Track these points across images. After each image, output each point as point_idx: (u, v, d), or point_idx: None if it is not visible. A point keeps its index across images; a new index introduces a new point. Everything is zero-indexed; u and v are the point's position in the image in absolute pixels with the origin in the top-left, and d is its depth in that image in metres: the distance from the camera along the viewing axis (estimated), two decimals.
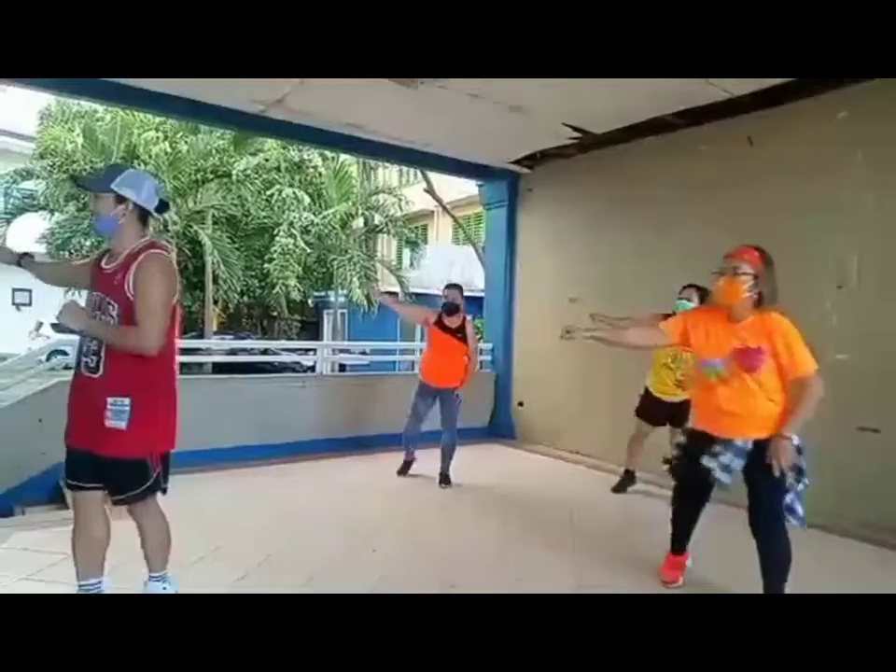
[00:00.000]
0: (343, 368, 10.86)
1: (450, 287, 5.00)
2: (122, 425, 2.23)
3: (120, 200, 2.31)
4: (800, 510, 2.67)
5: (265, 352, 9.72)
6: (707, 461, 2.73)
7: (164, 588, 2.54)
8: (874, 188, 4.15)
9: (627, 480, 4.92)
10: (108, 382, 2.26)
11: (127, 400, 2.24)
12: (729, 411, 2.70)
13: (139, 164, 13.13)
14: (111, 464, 2.28)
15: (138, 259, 2.28)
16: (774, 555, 2.68)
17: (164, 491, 2.50)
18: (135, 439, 2.27)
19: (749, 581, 2.77)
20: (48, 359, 6.08)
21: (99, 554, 2.38)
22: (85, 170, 13.14)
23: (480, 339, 6.81)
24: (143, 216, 2.38)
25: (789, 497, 2.64)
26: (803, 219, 4.45)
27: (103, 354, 2.27)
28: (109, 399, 2.23)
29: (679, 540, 3.13)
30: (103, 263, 2.38)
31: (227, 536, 3.63)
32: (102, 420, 2.24)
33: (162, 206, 2.47)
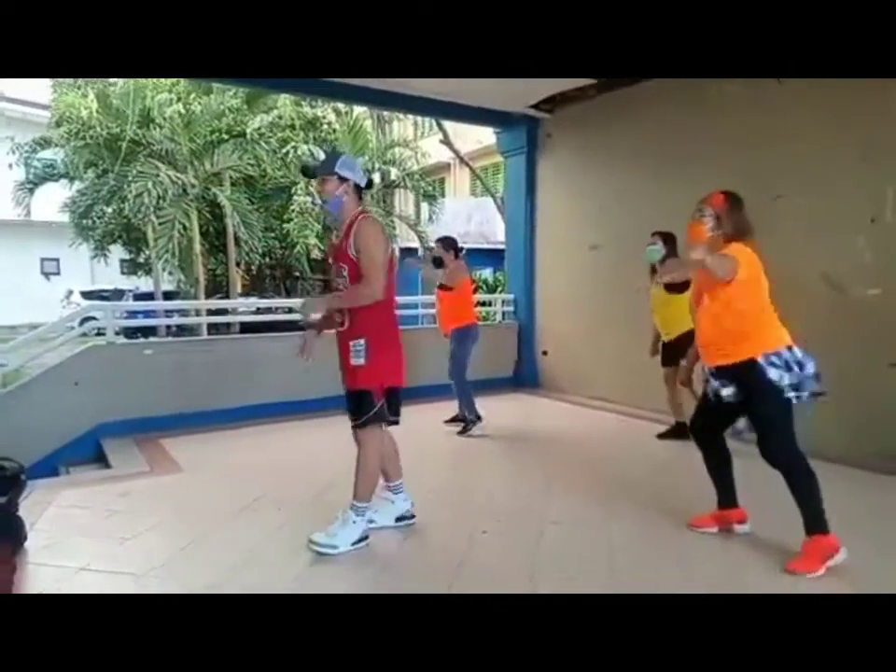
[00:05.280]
0: None
1: (437, 240, 5.13)
2: (362, 361, 2.83)
3: (342, 180, 2.84)
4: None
5: (290, 311, 9.77)
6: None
7: (353, 522, 2.91)
8: None
9: (675, 431, 4.71)
10: (349, 330, 2.85)
11: (363, 341, 2.82)
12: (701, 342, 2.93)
13: (154, 127, 13.09)
14: (348, 395, 2.91)
15: (353, 225, 2.81)
16: (792, 478, 2.68)
17: (393, 423, 3.00)
18: (368, 373, 2.83)
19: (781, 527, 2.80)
20: (80, 325, 6.21)
21: (391, 464, 3.14)
22: (101, 135, 13.13)
23: (498, 288, 6.76)
24: (358, 191, 2.92)
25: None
26: (833, 155, 4.31)
27: (345, 309, 2.86)
28: (351, 343, 2.84)
29: (719, 491, 3.06)
30: (334, 239, 3.05)
31: (263, 486, 3.75)
32: (349, 361, 2.86)
33: (370, 183, 3.00)
